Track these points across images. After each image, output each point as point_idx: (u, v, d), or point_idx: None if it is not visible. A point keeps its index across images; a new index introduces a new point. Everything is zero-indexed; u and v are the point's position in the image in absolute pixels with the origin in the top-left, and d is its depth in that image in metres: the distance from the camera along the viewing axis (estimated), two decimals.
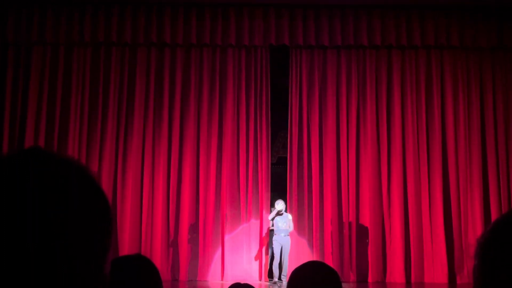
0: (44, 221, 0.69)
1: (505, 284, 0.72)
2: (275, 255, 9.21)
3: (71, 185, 0.74)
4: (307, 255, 9.81)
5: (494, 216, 9.90)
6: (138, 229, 9.89)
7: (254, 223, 10.04)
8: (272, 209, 9.53)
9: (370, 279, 9.79)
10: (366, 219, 9.99)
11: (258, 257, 9.92)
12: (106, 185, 9.88)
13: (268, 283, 9.50)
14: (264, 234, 9.95)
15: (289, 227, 9.29)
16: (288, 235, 9.21)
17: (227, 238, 9.94)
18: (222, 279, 9.74)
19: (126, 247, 9.72)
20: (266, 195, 10.09)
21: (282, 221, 9.25)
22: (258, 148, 10.25)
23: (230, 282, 9.62)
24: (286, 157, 10.44)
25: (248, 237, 10.00)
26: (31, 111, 10.04)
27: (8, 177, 0.71)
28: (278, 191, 10.36)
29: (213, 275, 9.85)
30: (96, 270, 0.74)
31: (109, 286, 1.96)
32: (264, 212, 9.97)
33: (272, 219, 9.32)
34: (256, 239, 9.99)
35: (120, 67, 10.34)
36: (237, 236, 10.00)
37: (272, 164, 10.61)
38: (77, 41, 10.16)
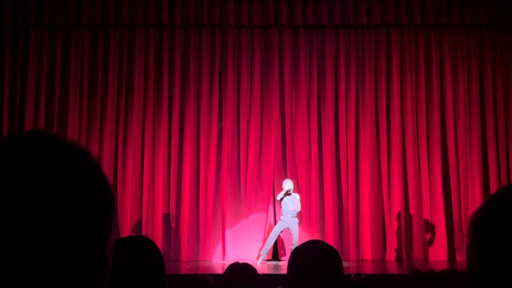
0: (45, 205, 0.69)
1: (497, 263, 0.72)
2: (272, 233, 9.09)
3: (72, 167, 0.74)
4: (307, 233, 9.87)
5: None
6: (139, 211, 9.94)
7: (256, 202, 10.07)
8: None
9: (370, 257, 9.86)
10: (366, 198, 10.02)
11: (261, 237, 9.97)
12: (106, 167, 9.89)
13: (269, 262, 9.52)
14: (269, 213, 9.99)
15: (297, 207, 9.11)
16: (296, 216, 9.03)
17: (228, 218, 9.98)
18: (223, 259, 9.81)
19: (127, 228, 9.79)
20: (267, 174, 10.11)
21: (291, 202, 9.04)
22: (259, 128, 10.25)
23: (232, 262, 9.68)
24: None
25: (250, 216, 10.04)
26: (30, 95, 10.02)
27: (9, 161, 0.71)
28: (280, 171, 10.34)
29: (214, 255, 9.93)
30: (98, 253, 0.75)
31: (112, 266, 1.99)
32: (265, 191, 9.98)
33: (281, 200, 9.16)
34: (259, 217, 10.03)
35: (119, 49, 10.29)
36: (238, 215, 10.04)
37: None
38: (75, 24, 10.10)
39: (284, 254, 9.83)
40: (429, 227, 9.98)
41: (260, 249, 9.54)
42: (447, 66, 10.33)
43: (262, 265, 8.95)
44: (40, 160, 0.72)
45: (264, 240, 9.70)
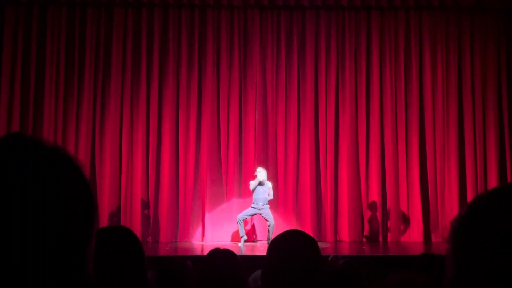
0: (27, 210, 0.70)
1: (478, 271, 0.73)
2: (241, 215, 9.04)
3: (56, 173, 0.74)
4: (285, 216, 9.94)
5: (469, 176, 10.12)
6: (118, 192, 9.88)
7: (235, 185, 10.10)
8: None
9: (347, 238, 9.99)
10: (344, 180, 10.11)
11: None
12: (84, 149, 9.83)
13: (246, 243, 9.56)
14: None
15: (269, 195, 9.09)
16: (267, 203, 9.00)
17: (208, 200, 9.98)
18: (202, 240, 9.85)
19: (105, 209, 9.74)
20: (248, 157, 10.12)
21: (263, 190, 9.01)
22: (238, 107, 10.23)
23: (211, 243, 9.74)
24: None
25: (229, 198, 10.07)
26: (5, 73, 9.81)
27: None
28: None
29: (193, 237, 9.95)
30: (81, 260, 0.75)
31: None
32: (247, 175, 9.97)
33: (253, 190, 9.05)
34: (240, 201, 10.05)
35: (96, 29, 10.11)
36: (217, 197, 10.06)
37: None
38: (52, 1, 9.90)
39: (260, 235, 9.86)
40: (406, 209, 10.13)
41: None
42: (426, 48, 10.40)
43: (242, 247, 8.94)
44: (23, 165, 0.72)
45: (244, 223, 9.78)
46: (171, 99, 10.13)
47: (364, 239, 10.01)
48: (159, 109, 10.11)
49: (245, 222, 9.45)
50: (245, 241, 9.12)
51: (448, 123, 10.28)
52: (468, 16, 10.43)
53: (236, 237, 9.59)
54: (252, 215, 9.23)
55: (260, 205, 8.97)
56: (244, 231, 9.16)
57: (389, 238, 10.01)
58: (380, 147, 10.21)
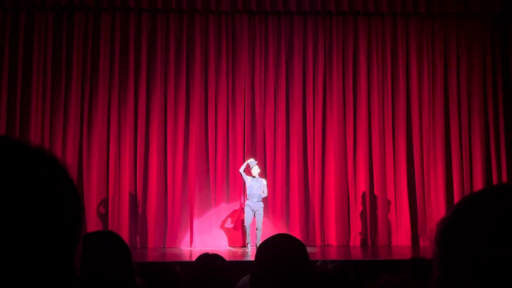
0: (12, 211, 0.69)
1: (464, 272, 0.73)
2: (245, 221, 9.06)
3: (41, 174, 0.74)
4: (274, 220, 9.94)
5: (456, 179, 10.19)
6: (105, 198, 9.83)
7: (223, 190, 10.08)
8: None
9: (335, 243, 10.00)
10: (332, 184, 10.14)
11: (229, 222, 10.01)
12: (71, 153, 9.77)
13: (236, 249, 9.55)
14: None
15: (263, 192, 9.15)
16: (261, 201, 9.07)
17: (196, 206, 9.95)
18: (191, 246, 9.81)
19: (93, 215, 9.68)
20: (237, 162, 10.11)
21: (257, 186, 9.07)
22: (226, 112, 10.23)
23: (199, 249, 9.68)
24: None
25: (217, 203, 10.05)
26: None
27: None
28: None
29: (182, 242, 9.91)
30: (68, 262, 0.75)
31: (80, 260, 1.97)
32: (236, 180, 9.97)
33: (243, 171, 9.11)
34: (228, 206, 10.04)
35: (84, 34, 10.07)
36: (207, 204, 10.03)
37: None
38: (39, 6, 9.84)
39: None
40: (394, 214, 10.17)
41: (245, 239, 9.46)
42: (412, 53, 10.50)
43: (230, 252, 8.93)
44: (9, 170, 0.72)
45: (235, 229, 9.79)
46: (159, 104, 10.10)
47: (352, 244, 10.03)
48: (147, 114, 10.08)
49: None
50: (244, 246, 9.16)
51: (435, 128, 10.37)
52: (454, 22, 10.55)
53: (223, 242, 9.59)
54: (250, 216, 9.11)
55: (254, 201, 8.99)
56: (249, 237, 9.13)
57: (377, 243, 10.05)
58: (368, 152, 10.26)
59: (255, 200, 9.02)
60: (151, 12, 10.18)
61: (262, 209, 9.05)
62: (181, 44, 10.24)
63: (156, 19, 10.21)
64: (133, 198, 9.90)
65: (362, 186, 10.15)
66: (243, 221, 9.24)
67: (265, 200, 9.45)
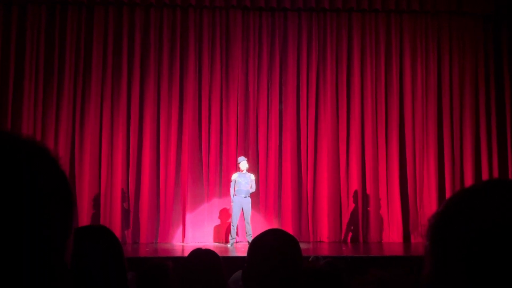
0: (3, 203, 0.69)
1: (455, 266, 0.74)
2: (233, 217, 9.05)
3: (32, 167, 0.74)
4: (266, 216, 9.95)
5: (448, 178, 10.24)
6: (97, 193, 9.79)
7: (216, 186, 10.08)
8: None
9: (327, 239, 10.03)
10: (324, 181, 10.16)
11: (222, 220, 10.00)
12: (63, 149, 9.72)
13: (225, 245, 9.53)
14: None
15: (251, 187, 9.12)
16: (249, 196, 9.06)
17: (189, 201, 9.94)
18: (183, 241, 9.81)
19: (85, 211, 9.65)
20: (228, 153, 10.10)
21: (245, 181, 9.06)
22: (219, 108, 10.21)
23: (191, 244, 9.69)
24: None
25: (210, 198, 10.05)
26: None
27: None
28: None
29: (174, 238, 9.90)
30: (58, 255, 0.75)
31: (71, 255, 1.97)
32: (228, 175, 9.95)
33: (235, 180, 9.13)
34: (220, 202, 10.04)
35: (77, 28, 10.02)
36: (198, 197, 10.03)
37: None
38: (31, 0, 9.78)
39: (241, 236, 9.86)
40: (386, 210, 10.21)
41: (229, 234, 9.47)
42: (406, 50, 10.53)
43: (220, 247, 8.92)
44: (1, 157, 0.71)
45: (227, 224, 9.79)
46: (152, 99, 10.07)
47: (344, 240, 10.07)
48: (140, 109, 10.04)
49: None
50: (230, 242, 9.14)
51: (427, 124, 10.41)
52: (447, 20, 10.59)
53: (216, 237, 9.59)
54: (239, 211, 9.09)
55: (242, 197, 8.98)
56: (235, 233, 9.16)
57: (369, 239, 10.08)
58: (360, 148, 10.28)
59: (243, 196, 9.01)
60: (145, 7, 10.14)
61: (250, 204, 9.03)
62: (174, 39, 10.21)
63: (149, 13, 10.17)
64: (125, 193, 9.87)
65: (355, 183, 10.18)
66: (232, 217, 9.16)
67: (256, 196, 9.45)
